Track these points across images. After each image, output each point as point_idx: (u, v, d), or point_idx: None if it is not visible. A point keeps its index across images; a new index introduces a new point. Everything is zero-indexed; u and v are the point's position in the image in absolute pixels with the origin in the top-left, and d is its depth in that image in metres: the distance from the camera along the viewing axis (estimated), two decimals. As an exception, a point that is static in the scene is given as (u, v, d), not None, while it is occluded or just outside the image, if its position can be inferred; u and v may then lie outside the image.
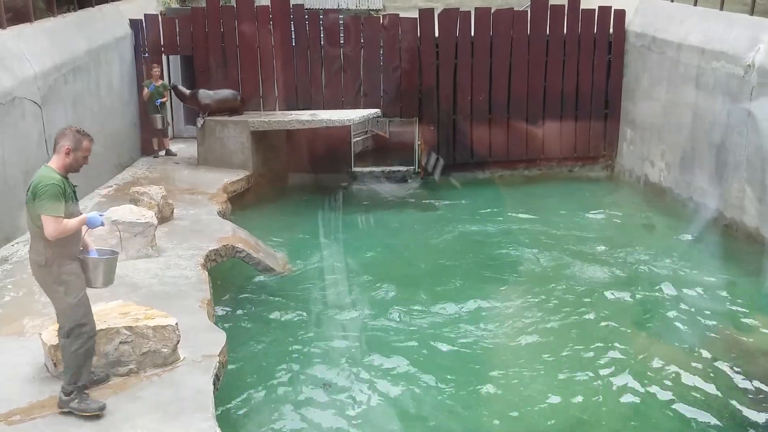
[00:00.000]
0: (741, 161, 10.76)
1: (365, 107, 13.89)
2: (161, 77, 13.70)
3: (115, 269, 5.30)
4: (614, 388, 6.85)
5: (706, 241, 10.83)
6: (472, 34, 14.22)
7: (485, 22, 14.23)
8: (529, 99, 14.62)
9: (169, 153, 13.82)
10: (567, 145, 14.96)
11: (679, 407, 6.55)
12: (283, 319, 8.14)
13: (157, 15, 14.54)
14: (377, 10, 18.93)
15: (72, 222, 4.80)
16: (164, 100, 13.44)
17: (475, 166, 14.82)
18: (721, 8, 12.03)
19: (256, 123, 12.72)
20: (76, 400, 4.97)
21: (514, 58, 14.41)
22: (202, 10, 14.21)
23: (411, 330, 7.95)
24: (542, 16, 14.38)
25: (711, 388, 6.86)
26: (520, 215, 12.35)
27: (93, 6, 12.74)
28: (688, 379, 7.02)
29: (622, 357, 7.45)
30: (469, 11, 14.31)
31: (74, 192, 4.99)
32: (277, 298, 8.67)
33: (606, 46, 14.52)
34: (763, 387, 6.88)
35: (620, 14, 14.40)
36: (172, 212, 9.89)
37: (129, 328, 5.60)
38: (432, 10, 14.56)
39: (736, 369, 7.20)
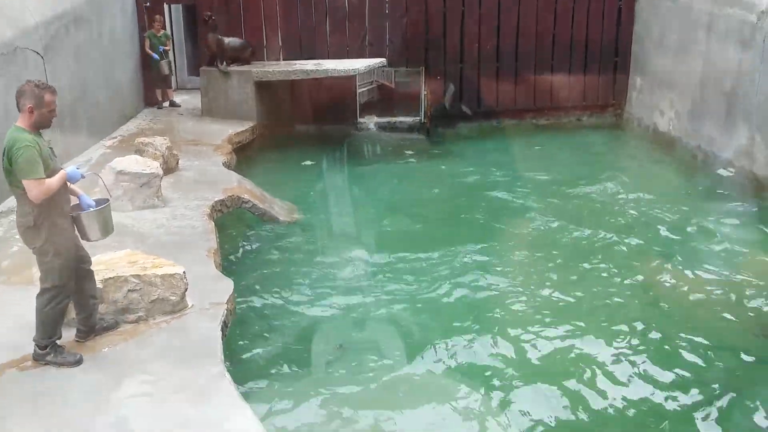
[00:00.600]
0: (752, 109, 10.62)
1: (370, 57, 13.72)
2: (163, 27, 13.56)
3: (111, 217, 5.27)
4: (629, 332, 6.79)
5: (714, 190, 10.76)
6: (480, -20, 13.95)
7: (493, -32, 13.93)
8: (537, 47, 14.41)
9: (173, 104, 13.75)
10: (576, 94, 14.81)
11: (697, 341, 6.55)
12: (290, 267, 8.18)
13: (159, -37, 14.29)
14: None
15: (54, 180, 4.70)
16: (167, 48, 13.34)
17: (482, 116, 14.69)
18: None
19: (260, 73, 12.58)
20: (51, 354, 4.99)
21: (523, 5, 14.16)
22: (204, -42, 13.96)
23: (419, 278, 7.96)
24: (552, -38, 14.08)
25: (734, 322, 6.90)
26: (527, 164, 12.26)
27: (93, -46, 12.50)
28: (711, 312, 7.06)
29: (636, 298, 7.43)
30: (477, -43, 14.01)
31: (51, 148, 4.87)
32: (283, 247, 8.70)
33: (616, -9, 14.25)
34: None
35: (632, -41, 14.11)
36: (177, 163, 9.86)
37: (137, 276, 5.63)
38: (439, -45, 14.26)
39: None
